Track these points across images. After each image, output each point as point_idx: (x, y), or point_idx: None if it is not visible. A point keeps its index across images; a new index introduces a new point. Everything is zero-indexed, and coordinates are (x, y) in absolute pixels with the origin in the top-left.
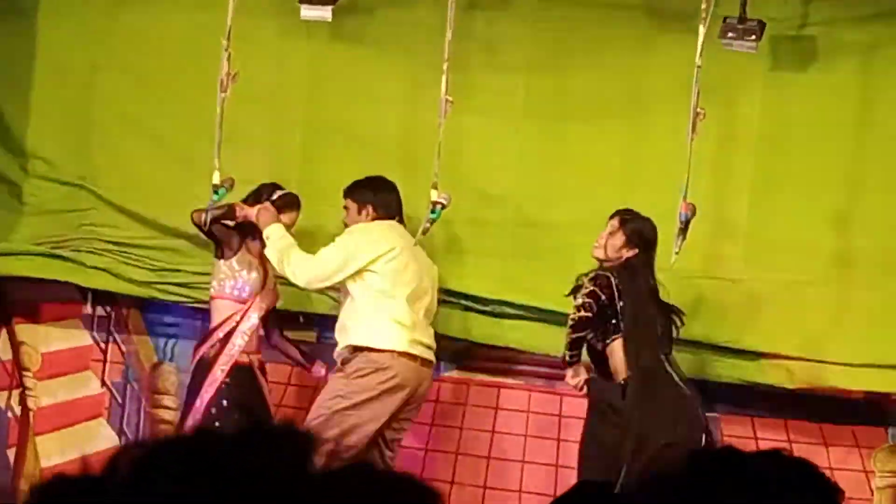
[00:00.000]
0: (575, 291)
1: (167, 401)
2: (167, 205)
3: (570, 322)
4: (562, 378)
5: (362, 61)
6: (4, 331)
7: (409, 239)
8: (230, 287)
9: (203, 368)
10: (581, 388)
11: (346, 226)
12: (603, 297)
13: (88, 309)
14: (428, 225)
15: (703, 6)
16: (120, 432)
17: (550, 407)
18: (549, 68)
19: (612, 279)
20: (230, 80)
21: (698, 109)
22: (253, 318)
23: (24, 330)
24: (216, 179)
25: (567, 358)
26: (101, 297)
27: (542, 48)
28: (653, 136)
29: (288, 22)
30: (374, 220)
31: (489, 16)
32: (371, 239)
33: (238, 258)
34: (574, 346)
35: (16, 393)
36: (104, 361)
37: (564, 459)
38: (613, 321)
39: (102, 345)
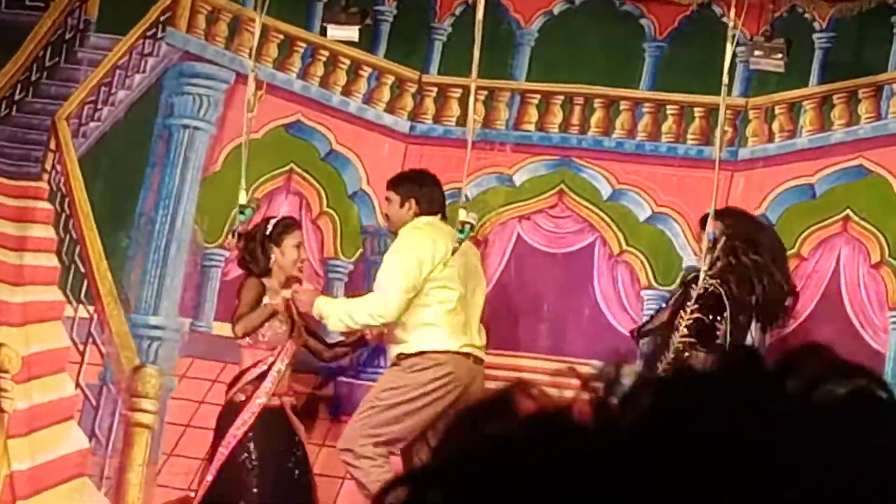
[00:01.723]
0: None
1: (146, 404)
2: None
3: (683, 324)
4: None
5: None
6: None
7: (454, 236)
8: (261, 336)
9: (231, 411)
10: None
11: (387, 217)
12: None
13: (70, 311)
14: (457, 245)
15: (731, 25)
16: (91, 435)
17: None
18: None
19: (724, 296)
20: (257, 101)
21: (725, 128)
22: (283, 363)
23: (4, 332)
24: (243, 199)
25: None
26: (84, 298)
27: None
28: None
29: None
30: (416, 215)
31: None
32: (426, 253)
33: None
34: (680, 353)
35: None
36: (81, 363)
37: None
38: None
39: (81, 346)
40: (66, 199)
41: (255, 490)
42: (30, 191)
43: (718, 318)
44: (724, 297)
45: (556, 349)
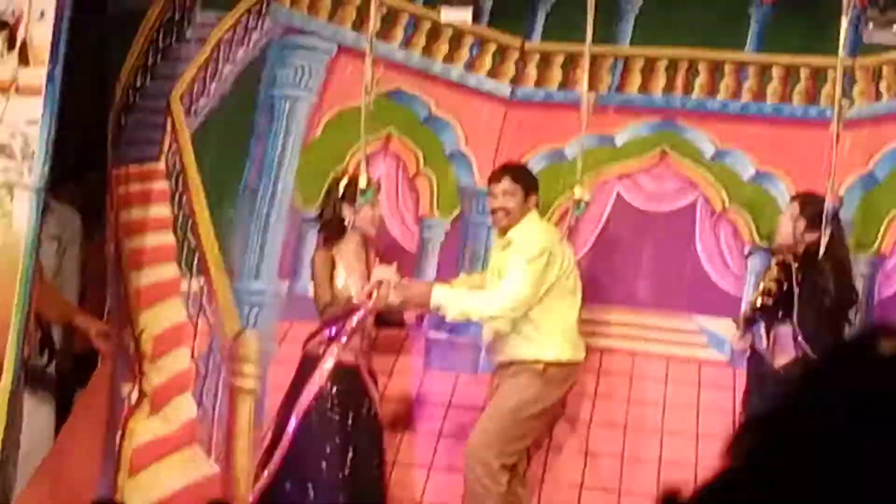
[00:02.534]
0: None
1: (247, 368)
2: None
3: (752, 305)
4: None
5: None
6: (129, 327)
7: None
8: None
9: (309, 364)
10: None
11: (504, 211)
12: (784, 286)
13: (185, 285)
14: (572, 224)
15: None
16: (199, 402)
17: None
18: None
19: (793, 266)
20: (374, 85)
21: (842, 101)
22: (361, 319)
23: (144, 316)
24: (363, 184)
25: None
26: (196, 271)
27: None
28: None
29: None
30: (528, 211)
31: None
32: (556, 249)
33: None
34: (748, 322)
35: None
36: (194, 336)
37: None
38: (786, 307)
39: (195, 319)
40: (180, 176)
41: (337, 439)
42: (150, 173)
43: (790, 293)
44: (792, 265)
45: (657, 303)
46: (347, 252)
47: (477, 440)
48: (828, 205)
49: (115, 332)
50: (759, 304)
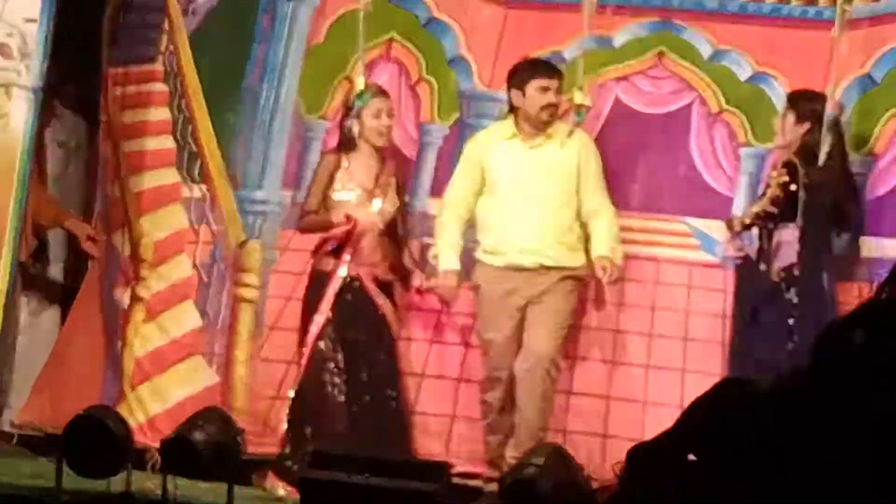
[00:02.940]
0: None
1: (250, 278)
2: None
3: (755, 213)
4: None
5: None
6: (126, 228)
7: None
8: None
9: (319, 283)
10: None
11: (556, 108)
12: (792, 187)
13: (187, 192)
14: (573, 128)
15: None
16: (203, 312)
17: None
18: None
19: (799, 167)
20: None
21: (844, 6)
22: (364, 230)
23: (144, 221)
24: (361, 85)
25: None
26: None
27: None
28: None
29: None
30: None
31: None
32: None
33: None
34: (760, 220)
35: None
36: (196, 243)
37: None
38: (794, 206)
39: (196, 226)
40: (178, 78)
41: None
42: (147, 74)
43: (794, 195)
44: (799, 170)
45: (651, 207)
46: (356, 163)
47: (546, 346)
48: (828, 111)
49: (102, 236)
50: (764, 212)
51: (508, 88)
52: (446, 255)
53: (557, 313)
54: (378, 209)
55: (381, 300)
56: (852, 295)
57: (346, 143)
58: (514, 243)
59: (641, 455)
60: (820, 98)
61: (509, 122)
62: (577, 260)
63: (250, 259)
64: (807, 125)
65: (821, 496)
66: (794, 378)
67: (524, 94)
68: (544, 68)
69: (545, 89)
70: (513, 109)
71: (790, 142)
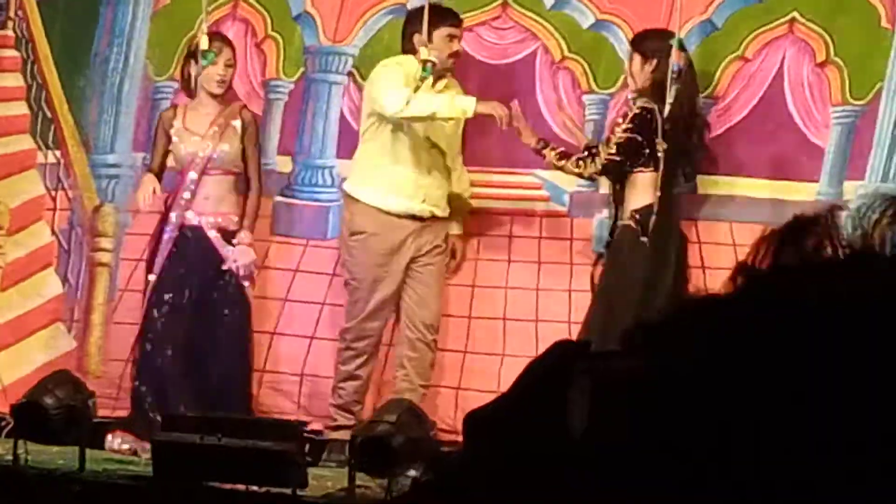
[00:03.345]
0: None
1: (105, 242)
2: None
3: (613, 142)
4: None
5: None
6: None
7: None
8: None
9: (157, 238)
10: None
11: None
12: (651, 125)
13: (41, 157)
14: (419, 84)
15: None
16: (64, 279)
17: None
18: None
19: (656, 112)
20: None
21: None
22: (195, 177)
23: (0, 188)
24: (204, 45)
25: (591, 175)
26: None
27: None
28: None
29: None
30: None
31: None
32: None
33: None
34: (606, 168)
35: None
36: (54, 210)
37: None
38: (647, 151)
39: (53, 192)
40: (30, 45)
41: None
42: None
43: (648, 140)
44: (658, 120)
45: (506, 160)
46: (193, 112)
47: (435, 312)
48: (673, 61)
49: None
50: (623, 141)
51: (410, 33)
52: (458, 97)
53: (441, 275)
54: (211, 152)
55: (226, 251)
56: (688, 232)
57: (185, 90)
58: (412, 189)
59: (478, 420)
60: (664, 35)
61: (417, 64)
62: (447, 214)
63: (105, 223)
64: (654, 62)
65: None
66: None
67: (430, 40)
68: (451, 16)
69: (452, 37)
70: (407, 52)
71: (642, 84)
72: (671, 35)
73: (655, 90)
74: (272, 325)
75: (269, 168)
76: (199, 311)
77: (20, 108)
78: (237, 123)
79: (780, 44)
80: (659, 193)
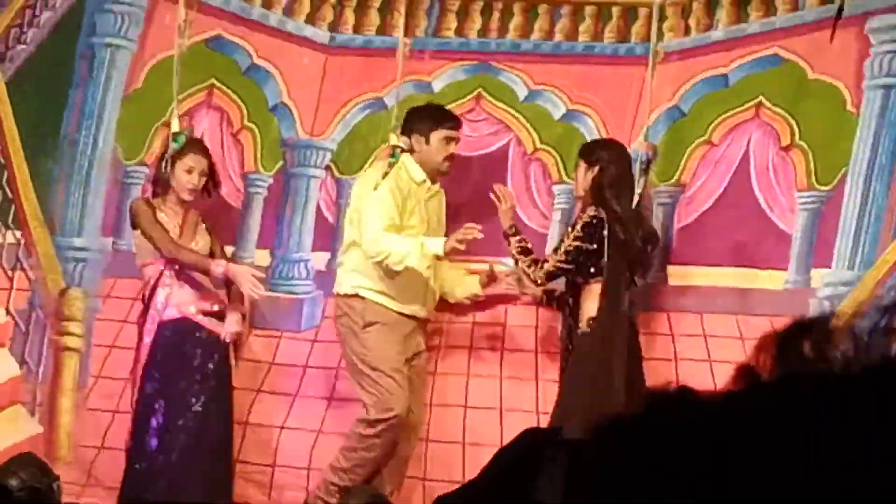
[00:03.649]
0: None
1: (73, 327)
2: None
3: (563, 250)
4: None
5: None
6: None
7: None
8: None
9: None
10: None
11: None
12: (599, 234)
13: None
14: (388, 170)
15: None
16: (22, 361)
17: None
18: None
19: (604, 220)
20: (187, 26)
21: (657, 48)
22: (170, 270)
23: None
24: (176, 127)
25: (537, 280)
26: (12, 223)
27: None
28: None
29: None
30: None
31: None
32: None
33: None
34: (552, 276)
35: None
36: (10, 290)
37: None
38: (597, 260)
39: (10, 272)
40: None
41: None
42: None
43: (598, 248)
44: (606, 229)
45: (472, 251)
46: (162, 209)
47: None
48: (642, 152)
49: None
50: (572, 249)
51: (408, 132)
52: (428, 243)
53: (427, 373)
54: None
55: (211, 324)
56: (659, 324)
57: (160, 187)
58: (420, 293)
59: None
60: (607, 143)
61: (416, 167)
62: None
63: (72, 307)
64: (596, 168)
65: None
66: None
67: (428, 142)
68: (450, 118)
69: (449, 139)
70: (404, 152)
71: (584, 189)
72: (615, 144)
73: (596, 195)
74: (243, 415)
75: (248, 262)
76: (185, 401)
77: None
78: (203, 225)
79: (746, 128)
80: (602, 301)
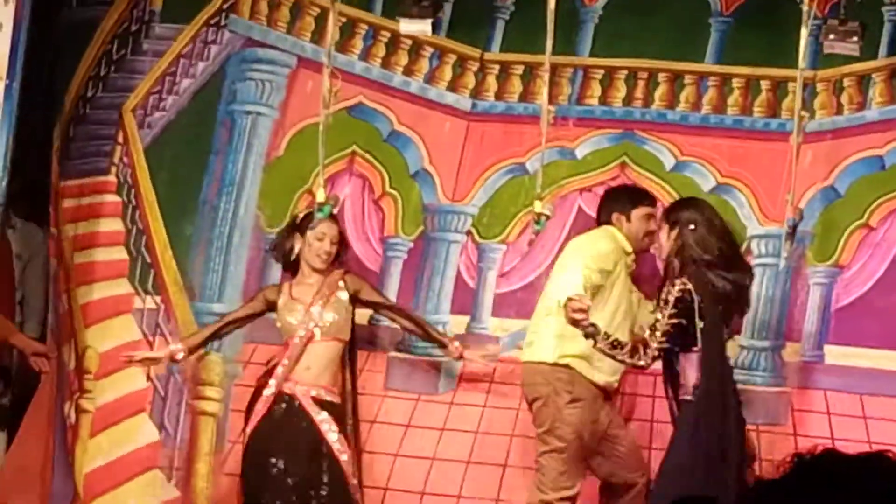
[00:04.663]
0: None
1: (211, 392)
2: None
3: (660, 331)
4: None
5: None
6: (73, 340)
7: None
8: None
9: (254, 396)
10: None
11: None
12: (690, 306)
13: (139, 303)
14: (533, 237)
15: (805, 9)
16: (160, 426)
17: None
18: None
19: (692, 289)
20: (332, 96)
21: (802, 113)
22: (295, 353)
23: (89, 333)
24: (321, 197)
25: (646, 365)
26: (151, 288)
27: None
28: None
29: None
30: None
31: None
32: None
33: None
34: (657, 358)
35: (75, 400)
36: None
37: None
38: (691, 331)
39: (150, 337)
40: (133, 191)
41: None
42: (99, 186)
43: (691, 322)
44: (694, 299)
45: None
46: (298, 285)
47: None
48: (788, 216)
49: (54, 351)
50: (670, 328)
51: (609, 211)
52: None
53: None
54: (315, 322)
55: (319, 417)
56: (815, 402)
57: (286, 263)
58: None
59: None
60: (687, 202)
61: (623, 238)
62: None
63: (210, 372)
64: (675, 231)
65: None
66: None
67: (629, 219)
68: (647, 196)
69: (649, 216)
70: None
71: (668, 252)
72: (696, 202)
73: (681, 255)
74: (384, 480)
75: (383, 324)
76: (290, 475)
77: (119, 254)
78: (343, 295)
79: None
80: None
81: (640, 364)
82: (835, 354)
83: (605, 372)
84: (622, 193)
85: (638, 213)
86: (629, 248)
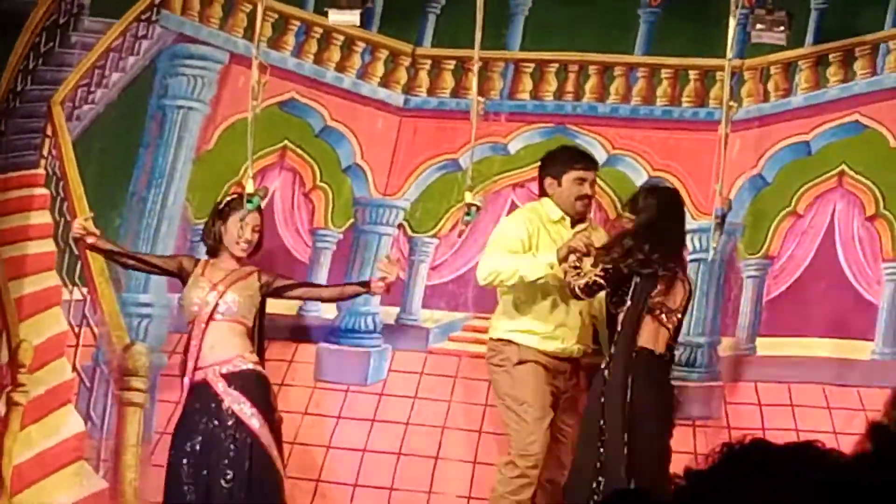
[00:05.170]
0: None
1: (137, 382)
2: None
3: (600, 266)
4: None
5: None
6: (5, 333)
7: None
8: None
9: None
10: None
11: (590, 199)
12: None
13: (66, 294)
14: (464, 228)
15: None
16: (87, 417)
17: None
18: None
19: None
20: (261, 88)
21: (731, 103)
22: (198, 338)
23: (23, 327)
24: (250, 188)
25: (579, 286)
26: (78, 280)
27: None
28: None
29: None
30: None
31: None
32: None
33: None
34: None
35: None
36: (76, 346)
37: None
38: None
39: (76, 329)
40: (61, 183)
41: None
42: (29, 179)
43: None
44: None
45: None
46: (213, 266)
47: None
48: (717, 207)
49: None
50: (592, 279)
51: (543, 176)
52: (541, 254)
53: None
54: (216, 301)
55: (229, 398)
56: (746, 394)
57: (211, 248)
58: (558, 330)
59: None
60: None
61: (553, 207)
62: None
63: (136, 362)
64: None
65: None
66: None
67: (559, 184)
68: (582, 159)
69: (582, 180)
70: (542, 195)
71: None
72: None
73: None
74: (316, 472)
75: (313, 314)
76: (214, 462)
77: (47, 246)
78: (252, 282)
79: (830, 197)
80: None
81: (572, 287)
82: (765, 345)
83: (556, 339)
84: (556, 157)
85: (569, 176)
86: (556, 216)
